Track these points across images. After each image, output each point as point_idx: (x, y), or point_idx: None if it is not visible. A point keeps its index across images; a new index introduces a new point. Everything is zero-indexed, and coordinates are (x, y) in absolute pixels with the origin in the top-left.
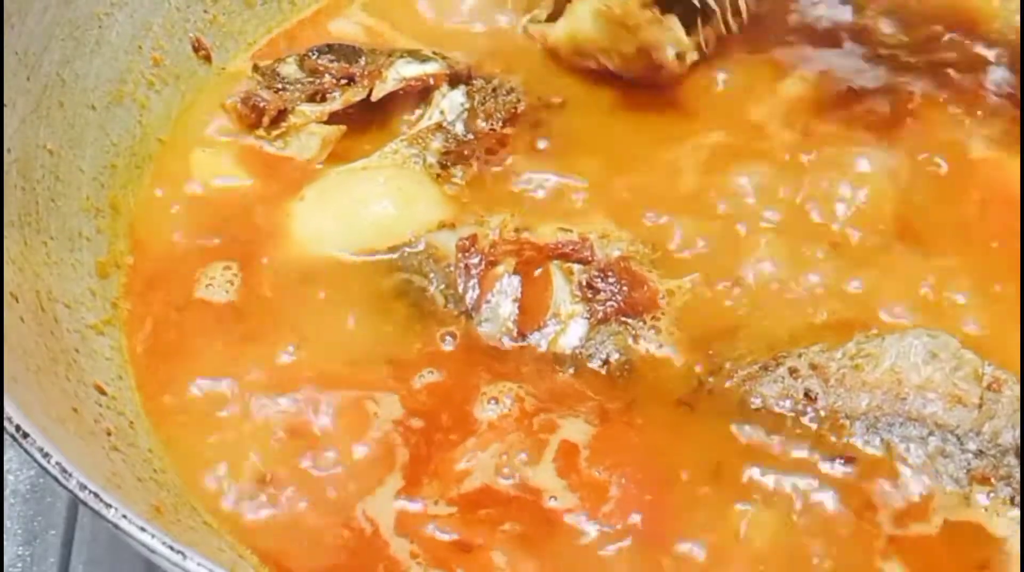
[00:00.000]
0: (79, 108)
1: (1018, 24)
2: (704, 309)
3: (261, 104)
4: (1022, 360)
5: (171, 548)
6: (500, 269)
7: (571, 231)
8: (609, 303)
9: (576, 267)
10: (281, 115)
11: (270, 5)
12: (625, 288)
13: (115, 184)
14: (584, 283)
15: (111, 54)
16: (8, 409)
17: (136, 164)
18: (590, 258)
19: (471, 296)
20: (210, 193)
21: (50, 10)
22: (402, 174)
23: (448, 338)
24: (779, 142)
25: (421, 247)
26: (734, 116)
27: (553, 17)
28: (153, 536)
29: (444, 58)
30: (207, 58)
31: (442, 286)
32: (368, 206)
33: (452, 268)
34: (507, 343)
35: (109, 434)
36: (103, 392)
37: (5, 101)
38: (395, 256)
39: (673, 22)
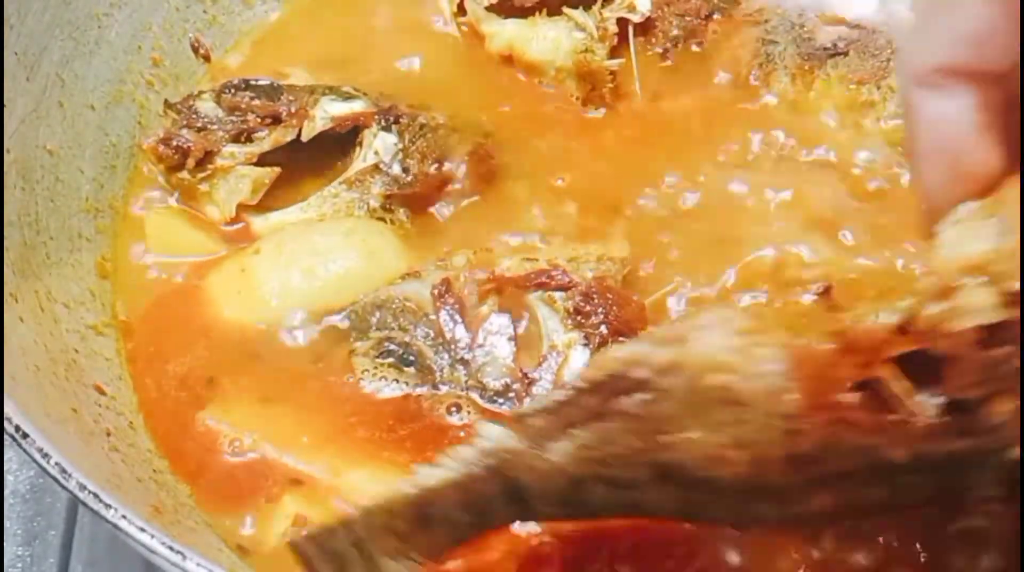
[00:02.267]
0: (79, 108)
1: None
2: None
3: (185, 145)
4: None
5: (171, 548)
6: (485, 309)
7: (536, 260)
8: (602, 326)
9: (558, 295)
10: (207, 157)
11: (270, 5)
12: (614, 308)
13: (115, 185)
14: (571, 310)
15: (110, 54)
16: (8, 409)
17: (136, 165)
18: (570, 284)
19: (463, 340)
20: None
21: (49, 10)
22: (362, 226)
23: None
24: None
25: (395, 303)
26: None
27: (498, 10)
28: (153, 536)
29: (365, 94)
30: (207, 58)
31: (428, 337)
32: (333, 261)
33: (434, 316)
34: (513, 386)
35: (108, 435)
36: (103, 392)
37: (5, 101)
38: (374, 316)
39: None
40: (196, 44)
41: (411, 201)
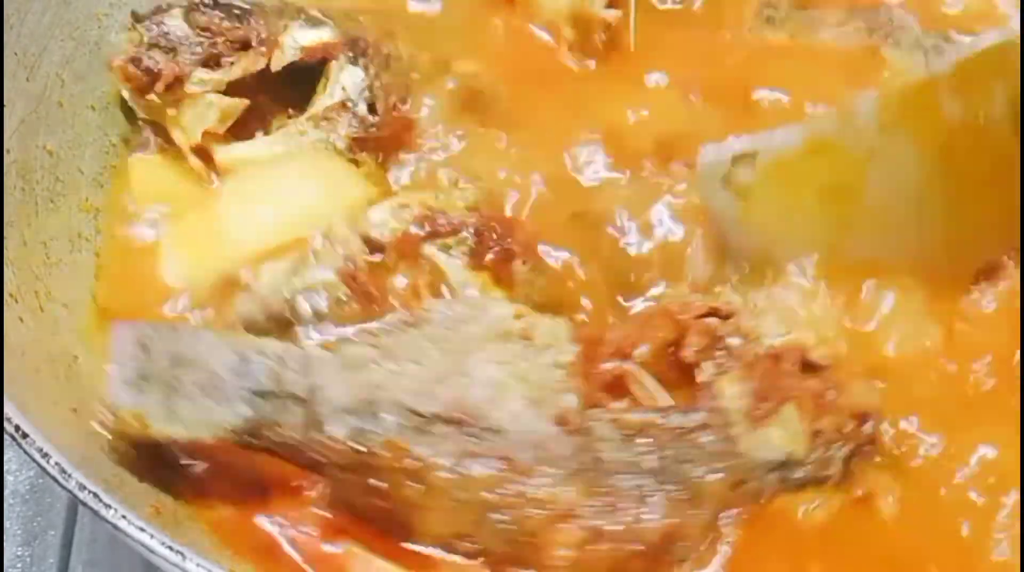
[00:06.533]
0: (79, 108)
1: None
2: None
3: (155, 68)
4: (1022, 360)
5: (170, 548)
6: (398, 282)
7: (408, 206)
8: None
9: (452, 241)
10: (177, 81)
11: None
12: (506, 237)
13: (114, 185)
14: (470, 251)
15: (111, 54)
16: (8, 409)
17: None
18: (458, 225)
19: None
20: None
21: (49, 11)
22: (320, 159)
23: None
24: None
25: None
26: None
27: None
28: (152, 536)
29: (332, 18)
30: None
31: None
32: (296, 193)
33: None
34: None
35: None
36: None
37: (5, 101)
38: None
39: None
40: None
41: (375, 146)
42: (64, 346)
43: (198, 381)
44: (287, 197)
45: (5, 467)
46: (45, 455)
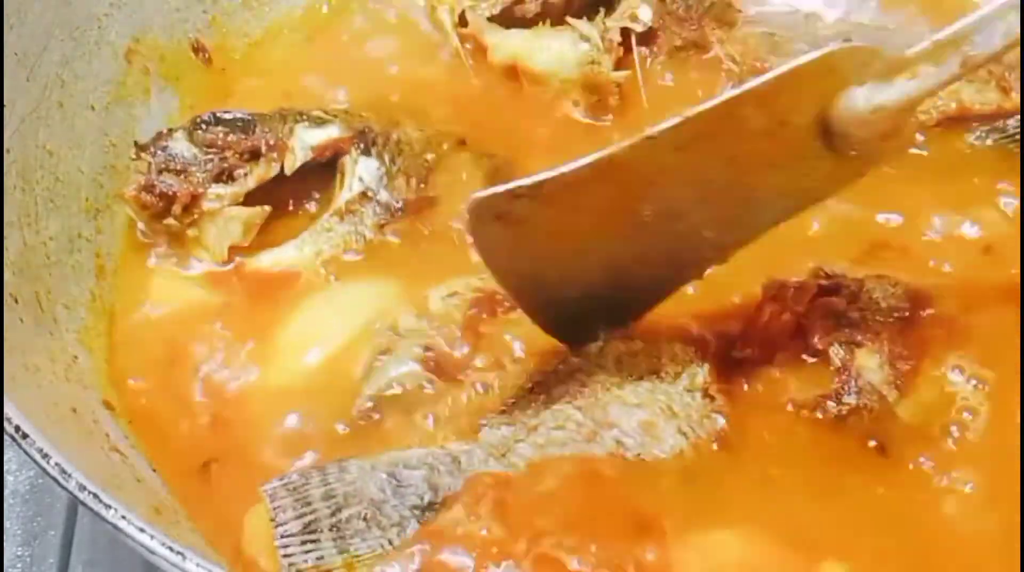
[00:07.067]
0: (79, 109)
1: None
2: None
3: (169, 190)
4: (1022, 368)
5: (170, 549)
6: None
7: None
8: None
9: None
10: (193, 201)
11: (270, 5)
12: None
13: (114, 185)
14: None
15: (111, 54)
16: (8, 409)
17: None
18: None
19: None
20: None
21: (49, 11)
22: (363, 290)
23: None
24: None
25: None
26: None
27: (500, 21)
28: (152, 537)
29: (335, 116)
30: (207, 59)
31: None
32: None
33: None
34: None
35: (108, 435)
36: (102, 393)
37: (5, 101)
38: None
39: None
40: (196, 45)
41: (404, 226)
42: (64, 346)
43: (361, 513)
44: (349, 302)
45: (5, 467)
46: (45, 455)
